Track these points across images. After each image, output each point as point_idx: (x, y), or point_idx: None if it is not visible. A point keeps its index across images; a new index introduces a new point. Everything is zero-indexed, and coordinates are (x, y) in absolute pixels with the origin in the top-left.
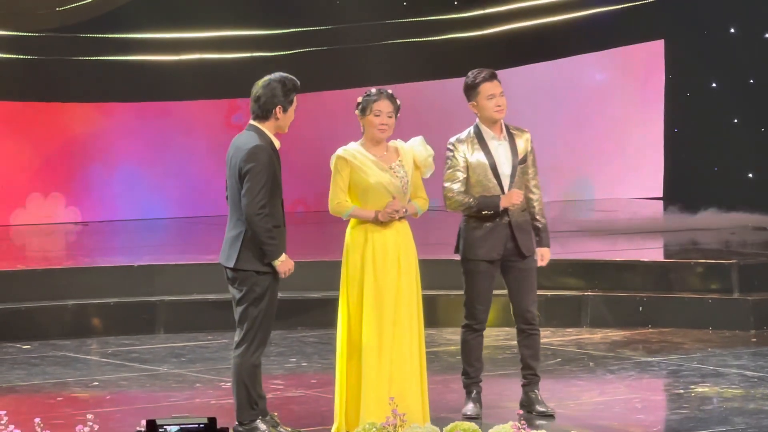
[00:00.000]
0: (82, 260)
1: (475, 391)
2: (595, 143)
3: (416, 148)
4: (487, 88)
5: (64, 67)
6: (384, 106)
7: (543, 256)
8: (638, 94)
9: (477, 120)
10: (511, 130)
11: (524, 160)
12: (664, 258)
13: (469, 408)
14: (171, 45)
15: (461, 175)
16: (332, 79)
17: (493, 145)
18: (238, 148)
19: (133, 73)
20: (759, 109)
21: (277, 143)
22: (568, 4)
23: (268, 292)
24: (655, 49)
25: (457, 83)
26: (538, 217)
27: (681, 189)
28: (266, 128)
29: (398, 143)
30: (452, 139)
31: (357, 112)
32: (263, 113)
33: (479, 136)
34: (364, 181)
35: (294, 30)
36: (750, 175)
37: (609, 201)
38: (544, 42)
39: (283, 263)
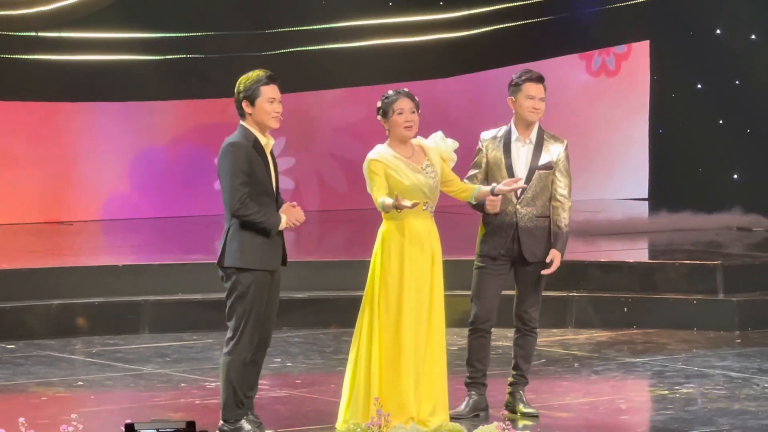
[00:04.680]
0: (66, 260)
1: (473, 392)
2: (580, 144)
3: (440, 144)
4: (529, 88)
5: None
6: (405, 104)
7: (553, 258)
8: (623, 94)
9: (512, 118)
10: (546, 137)
11: (549, 167)
12: (649, 259)
13: (458, 408)
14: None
15: (478, 175)
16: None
17: (515, 146)
18: (221, 147)
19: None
20: (744, 110)
21: (263, 140)
22: (553, 4)
23: (252, 289)
24: (641, 49)
25: (441, 84)
26: (558, 223)
27: (666, 190)
28: (249, 126)
29: (421, 141)
30: (483, 134)
31: (379, 117)
32: (238, 110)
33: (507, 135)
34: (400, 184)
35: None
36: (735, 176)
37: (594, 202)
38: (528, 42)
39: (287, 221)
